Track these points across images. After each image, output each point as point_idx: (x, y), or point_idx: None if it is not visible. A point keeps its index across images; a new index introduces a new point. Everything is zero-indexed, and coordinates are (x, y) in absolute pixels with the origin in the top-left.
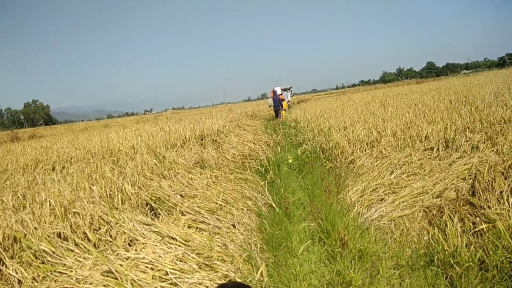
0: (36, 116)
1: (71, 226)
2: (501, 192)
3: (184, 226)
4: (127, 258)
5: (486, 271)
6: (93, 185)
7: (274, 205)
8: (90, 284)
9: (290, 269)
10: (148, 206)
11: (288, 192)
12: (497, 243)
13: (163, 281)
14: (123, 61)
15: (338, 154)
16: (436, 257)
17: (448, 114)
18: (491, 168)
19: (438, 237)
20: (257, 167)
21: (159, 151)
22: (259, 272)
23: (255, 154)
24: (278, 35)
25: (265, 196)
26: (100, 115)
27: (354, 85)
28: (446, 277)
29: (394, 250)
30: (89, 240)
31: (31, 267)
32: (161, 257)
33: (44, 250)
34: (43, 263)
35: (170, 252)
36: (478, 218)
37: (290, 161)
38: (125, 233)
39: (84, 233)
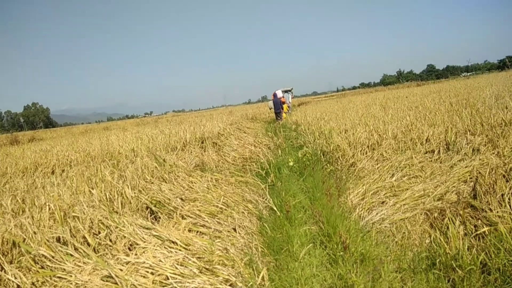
0: (36, 119)
1: (70, 230)
2: (502, 195)
3: (185, 229)
4: (127, 263)
5: (488, 274)
6: (93, 189)
7: (275, 208)
8: None
9: (291, 273)
10: (148, 209)
11: (289, 195)
12: (499, 246)
13: (163, 286)
14: (124, 63)
15: (339, 157)
16: (438, 260)
17: (449, 116)
18: (492, 170)
19: (440, 240)
20: (258, 170)
21: (160, 154)
22: (260, 276)
23: (256, 157)
24: (278, 37)
25: (266, 199)
26: (100, 118)
27: (354, 88)
28: (448, 281)
29: (396, 253)
30: (88, 244)
31: (30, 272)
32: (162, 261)
33: (43, 255)
34: (42, 268)
35: (171, 256)
36: (479, 221)
37: (291, 164)
38: (125, 237)
39: (84, 237)
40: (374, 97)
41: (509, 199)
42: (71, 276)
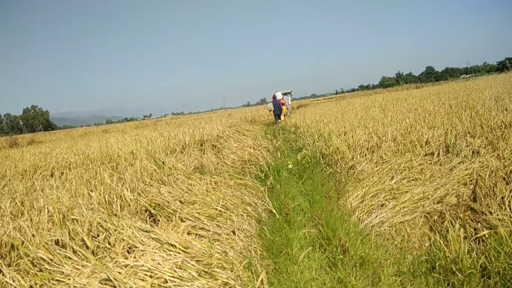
0: (35, 122)
1: (69, 233)
2: (502, 198)
3: (184, 232)
4: (126, 266)
5: (488, 278)
6: (92, 191)
7: (274, 211)
8: None
9: (290, 277)
10: (147, 212)
11: (288, 198)
12: (499, 249)
13: None
14: (123, 66)
15: (338, 159)
16: (437, 264)
17: (448, 119)
18: (492, 173)
19: (440, 243)
20: (257, 173)
21: (159, 156)
22: (259, 280)
23: (255, 160)
24: (278, 39)
25: (265, 202)
26: (99, 121)
27: (353, 90)
28: (448, 284)
29: (396, 256)
30: (87, 247)
31: (29, 275)
32: (160, 264)
33: (41, 258)
34: (40, 271)
35: (170, 259)
36: (479, 224)
37: (290, 166)
38: (123, 240)
39: (83, 240)
40: (373, 99)
41: (509, 202)
42: (69, 279)
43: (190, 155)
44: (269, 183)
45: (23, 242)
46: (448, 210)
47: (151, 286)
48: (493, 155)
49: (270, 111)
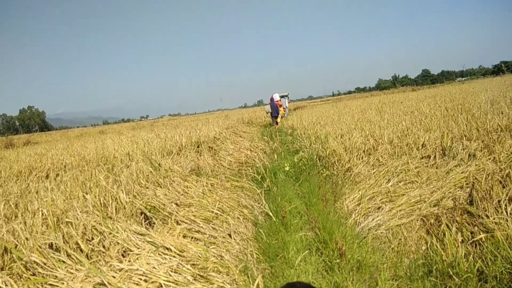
0: (32, 122)
1: (63, 236)
2: (499, 201)
3: (179, 235)
4: (120, 270)
5: (485, 282)
6: (87, 194)
7: (270, 213)
8: None
9: (286, 280)
10: (143, 215)
11: (285, 201)
12: (496, 253)
13: None
14: (120, 67)
15: (335, 162)
16: (434, 268)
17: (444, 121)
18: (488, 176)
19: (436, 246)
20: (254, 175)
21: (155, 158)
22: (255, 284)
23: (252, 162)
24: (274, 42)
25: (261, 205)
26: (96, 122)
27: (350, 92)
28: None
29: (392, 260)
30: (81, 250)
31: (22, 279)
32: (155, 268)
33: (35, 262)
34: (34, 274)
35: (165, 263)
36: (476, 228)
37: (287, 168)
38: (118, 243)
39: (77, 243)
40: (369, 101)
41: (505, 205)
42: (63, 283)
43: (187, 156)
44: (266, 185)
45: (16, 246)
46: (444, 214)
47: None
48: (490, 158)
49: (267, 113)
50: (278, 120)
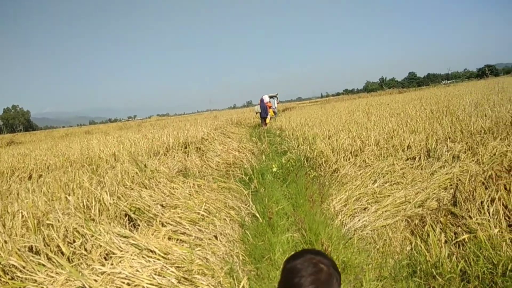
0: (16, 122)
1: (44, 239)
2: (481, 202)
3: (164, 237)
4: (103, 273)
5: (467, 282)
6: (69, 195)
7: (257, 215)
8: None
9: (272, 283)
10: (127, 217)
11: (272, 202)
12: (479, 254)
13: None
14: (107, 66)
15: (322, 163)
16: (418, 268)
17: (429, 123)
18: (472, 178)
19: (421, 247)
20: (241, 176)
21: (141, 159)
22: (240, 286)
23: (240, 162)
24: (264, 43)
25: (248, 206)
26: (82, 121)
27: (338, 94)
28: None
29: (377, 261)
30: (63, 253)
31: None
32: (139, 271)
33: (13, 265)
34: (12, 279)
35: (149, 266)
36: (459, 228)
37: (275, 169)
38: (101, 246)
39: (58, 246)
40: (357, 103)
41: (488, 206)
42: (42, 287)
43: (174, 157)
44: (253, 186)
45: None
46: (429, 214)
47: None
48: (473, 160)
49: (256, 113)
50: (268, 120)
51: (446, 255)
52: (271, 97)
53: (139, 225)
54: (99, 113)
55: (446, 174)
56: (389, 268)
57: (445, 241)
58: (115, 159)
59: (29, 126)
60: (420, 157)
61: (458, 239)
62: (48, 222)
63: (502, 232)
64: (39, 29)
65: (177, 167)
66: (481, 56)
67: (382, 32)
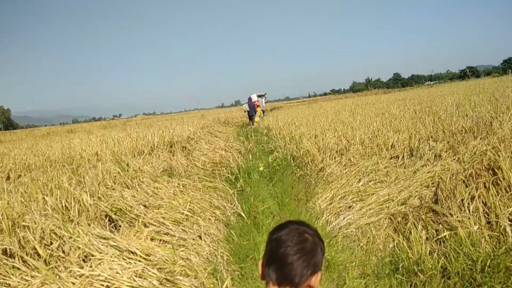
0: None
1: (19, 241)
2: (462, 200)
3: (147, 238)
4: (81, 276)
5: (448, 278)
6: (47, 196)
7: (243, 214)
8: None
9: (256, 282)
10: (108, 218)
11: (258, 201)
12: (459, 250)
13: None
14: (91, 63)
15: (308, 162)
16: (401, 265)
17: (412, 123)
18: (453, 176)
19: (403, 244)
20: (228, 175)
21: (125, 158)
22: (224, 286)
23: (226, 162)
24: (252, 43)
25: (234, 205)
26: (65, 120)
27: (325, 94)
28: (411, 285)
29: (361, 258)
30: (39, 256)
31: None
32: (119, 273)
33: None
34: None
35: (129, 267)
36: (440, 226)
37: (261, 168)
38: (79, 248)
39: (34, 248)
40: (343, 103)
41: (468, 204)
42: None
43: (159, 157)
44: (239, 185)
45: None
46: (411, 212)
47: None
48: (454, 159)
49: (245, 112)
50: (257, 119)
51: (428, 252)
52: (259, 96)
53: (120, 226)
54: (83, 112)
55: (428, 172)
56: (372, 265)
57: (427, 238)
58: (97, 159)
59: (9, 124)
60: (403, 156)
61: (439, 236)
62: (24, 223)
63: (481, 229)
64: (19, 26)
65: (162, 166)
66: (463, 58)
67: (369, 33)
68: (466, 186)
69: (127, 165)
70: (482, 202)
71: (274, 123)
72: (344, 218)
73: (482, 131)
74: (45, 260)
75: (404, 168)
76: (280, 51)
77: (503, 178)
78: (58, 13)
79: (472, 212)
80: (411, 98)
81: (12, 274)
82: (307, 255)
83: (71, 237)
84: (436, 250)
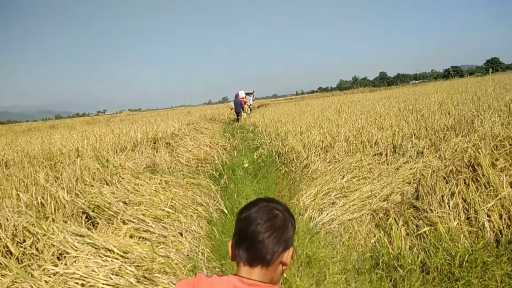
0: None
1: None
2: (442, 196)
3: (125, 236)
4: (55, 274)
5: (427, 273)
6: (22, 192)
7: (226, 211)
8: None
9: None
10: (86, 215)
11: (242, 197)
12: (438, 246)
13: None
14: (75, 57)
15: (293, 159)
16: (381, 260)
17: (396, 121)
18: (433, 173)
19: (384, 240)
20: (212, 172)
21: (106, 154)
22: None
23: (211, 158)
24: (239, 39)
25: (217, 202)
26: (47, 116)
27: (313, 92)
28: (390, 280)
29: (342, 254)
30: (11, 254)
31: None
32: (95, 271)
33: None
34: None
35: (106, 265)
36: (421, 221)
37: (246, 165)
38: (54, 245)
39: (6, 246)
40: (330, 101)
41: (448, 200)
42: None
43: (142, 153)
44: (223, 182)
45: None
46: (393, 208)
47: None
48: (436, 156)
49: (231, 109)
50: (244, 116)
51: (408, 247)
52: (247, 93)
53: (98, 223)
54: (67, 107)
55: (410, 169)
56: (353, 261)
57: (407, 234)
58: (78, 155)
59: None
60: (386, 153)
61: (419, 232)
62: None
63: (460, 225)
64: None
65: (145, 163)
66: (447, 58)
67: (356, 32)
68: (447, 183)
69: (107, 161)
70: (462, 198)
71: (261, 120)
72: (327, 214)
73: (463, 129)
74: (17, 258)
75: (387, 165)
76: (269, 49)
77: (483, 175)
78: (39, 5)
79: (452, 208)
80: (396, 97)
81: None
82: (278, 231)
83: (45, 235)
84: (416, 246)
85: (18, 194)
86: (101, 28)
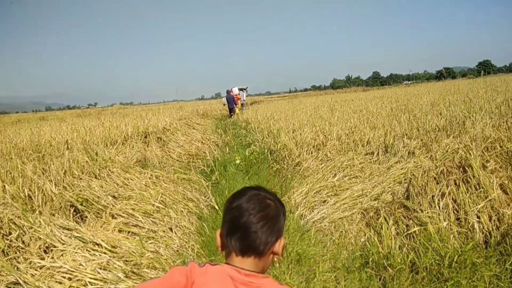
0: None
1: None
2: (433, 196)
3: (114, 230)
4: (42, 267)
5: (416, 273)
6: (8, 184)
7: (216, 207)
8: None
9: None
10: (74, 208)
11: None
12: (428, 246)
13: None
14: (66, 49)
15: (285, 156)
16: (371, 259)
17: (388, 120)
18: (424, 173)
19: (374, 239)
20: (203, 168)
21: (96, 147)
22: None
23: (203, 154)
24: (234, 35)
25: (208, 198)
26: (38, 107)
27: (306, 90)
28: (380, 279)
29: (332, 252)
30: None
31: None
32: (82, 265)
33: None
34: None
35: (93, 260)
36: (411, 221)
37: (238, 161)
38: (40, 238)
39: None
40: (323, 99)
41: (438, 200)
42: None
43: (133, 147)
44: (215, 178)
45: None
46: (383, 207)
47: None
48: (427, 156)
49: (224, 105)
50: (237, 111)
51: (398, 246)
52: (241, 89)
53: (86, 217)
54: (57, 99)
55: (401, 169)
56: (343, 259)
57: (397, 233)
58: (67, 147)
59: None
60: (378, 152)
61: (409, 232)
62: None
63: (450, 225)
64: None
65: (136, 157)
66: (440, 59)
67: (350, 31)
68: (437, 183)
69: (96, 154)
70: (452, 199)
71: (254, 117)
72: (318, 212)
73: (455, 130)
74: (3, 251)
75: (379, 164)
76: (263, 46)
77: (473, 176)
78: None
79: (442, 208)
80: (388, 96)
81: None
82: (271, 221)
83: (31, 227)
84: (406, 245)
85: (4, 186)
86: (94, 20)
